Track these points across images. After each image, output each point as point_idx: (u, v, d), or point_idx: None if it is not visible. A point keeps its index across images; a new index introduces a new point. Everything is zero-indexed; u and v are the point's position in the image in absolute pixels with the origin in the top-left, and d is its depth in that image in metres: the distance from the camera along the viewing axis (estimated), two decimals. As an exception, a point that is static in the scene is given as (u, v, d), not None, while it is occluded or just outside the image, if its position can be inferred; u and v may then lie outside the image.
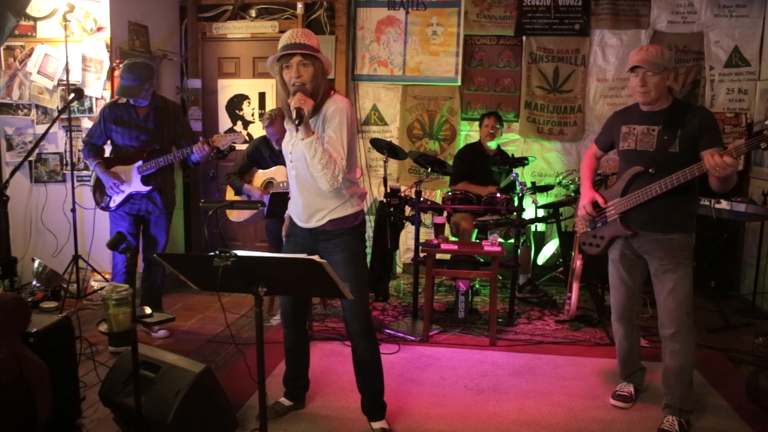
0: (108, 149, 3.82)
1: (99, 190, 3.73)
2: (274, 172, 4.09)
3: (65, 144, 4.59)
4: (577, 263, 3.91)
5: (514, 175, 4.24)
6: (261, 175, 4.15)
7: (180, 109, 3.86)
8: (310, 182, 2.41)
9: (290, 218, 2.63)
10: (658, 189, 2.57)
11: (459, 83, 5.24)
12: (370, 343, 2.56)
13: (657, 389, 3.06)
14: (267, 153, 4.15)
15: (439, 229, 4.06)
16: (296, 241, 2.60)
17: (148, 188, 3.61)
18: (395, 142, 5.06)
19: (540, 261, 5.13)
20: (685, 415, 2.67)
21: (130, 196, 3.64)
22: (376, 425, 2.61)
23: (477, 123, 5.14)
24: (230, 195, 4.25)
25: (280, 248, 3.99)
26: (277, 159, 4.12)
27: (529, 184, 4.75)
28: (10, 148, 4.69)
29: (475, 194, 4.48)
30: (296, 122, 2.22)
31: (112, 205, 3.67)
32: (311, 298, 2.71)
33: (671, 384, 2.69)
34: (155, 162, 3.58)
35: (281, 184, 3.99)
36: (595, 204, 2.84)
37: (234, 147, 4.00)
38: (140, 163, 3.59)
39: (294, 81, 2.31)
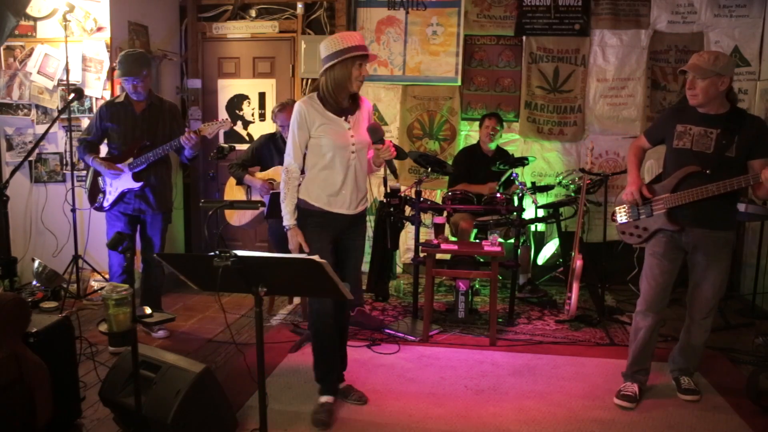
0: (104, 149, 3.80)
1: (93, 190, 3.73)
2: (273, 173, 4.08)
3: (65, 144, 4.59)
4: (577, 263, 3.92)
5: (514, 174, 4.24)
6: (261, 176, 4.14)
7: (177, 110, 3.85)
8: (365, 170, 2.78)
9: (319, 215, 2.70)
10: (715, 190, 2.68)
11: (459, 83, 5.24)
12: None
13: (658, 390, 3.07)
14: (272, 151, 4.14)
15: (439, 229, 4.06)
16: (324, 237, 2.70)
17: (138, 185, 3.60)
18: (395, 142, 5.06)
19: (540, 261, 5.13)
20: (693, 376, 3.07)
21: (123, 195, 3.64)
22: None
23: (477, 123, 5.14)
24: (230, 194, 4.25)
25: (283, 249, 4.00)
26: (281, 158, 4.10)
27: (529, 184, 4.75)
28: (10, 148, 4.69)
29: (475, 194, 4.48)
30: (395, 176, 2.79)
31: (106, 204, 3.67)
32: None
33: (689, 355, 3.03)
34: (145, 157, 3.57)
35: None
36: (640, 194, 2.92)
37: (234, 147, 4.01)
38: (131, 159, 3.60)
39: (362, 78, 2.64)
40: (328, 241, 2.71)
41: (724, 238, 2.82)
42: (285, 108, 3.99)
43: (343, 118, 2.69)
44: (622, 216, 3.04)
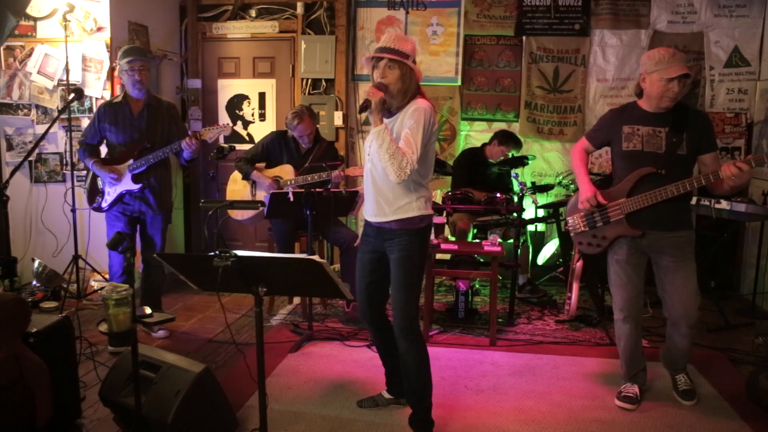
0: (104, 149, 3.80)
1: (92, 191, 3.72)
2: (280, 171, 4.09)
3: (65, 144, 4.59)
4: (577, 263, 3.91)
5: (514, 175, 4.25)
6: (268, 172, 4.15)
7: (175, 109, 3.83)
8: (383, 177, 2.46)
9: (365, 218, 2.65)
10: (675, 191, 2.62)
11: (459, 83, 5.24)
12: (411, 346, 2.52)
13: (658, 390, 3.07)
14: (282, 148, 4.15)
15: (439, 229, 4.06)
16: (367, 241, 2.63)
17: (138, 186, 3.59)
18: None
19: (540, 261, 5.13)
20: (686, 369, 3.01)
21: (122, 196, 3.63)
22: None
23: (477, 123, 5.17)
24: (233, 189, 4.24)
25: (285, 248, 4.02)
26: (290, 157, 4.11)
27: (529, 184, 4.75)
28: (10, 148, 4.69)
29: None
30: (359, 110, 2.41)
31: (104, 205, 3.66)
32: (386, 293, 2.69)
33: (677, 358, 2.95)
34: (145, 159, 3.56)
35: (288, 182, 3.99)
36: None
37: (234, 147, 4.01)
38: (131, 161, 3.59)
39: (378, 80, 2.44)
40: (367, 250, 2.62)
41: (686, 237, 2.75)
42: (303, 119, 3.99)
43: (381, 119, 2.47)
44: (577, 225, 2.94)
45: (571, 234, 3.00)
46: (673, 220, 2.72)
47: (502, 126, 5.12)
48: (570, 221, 2.98)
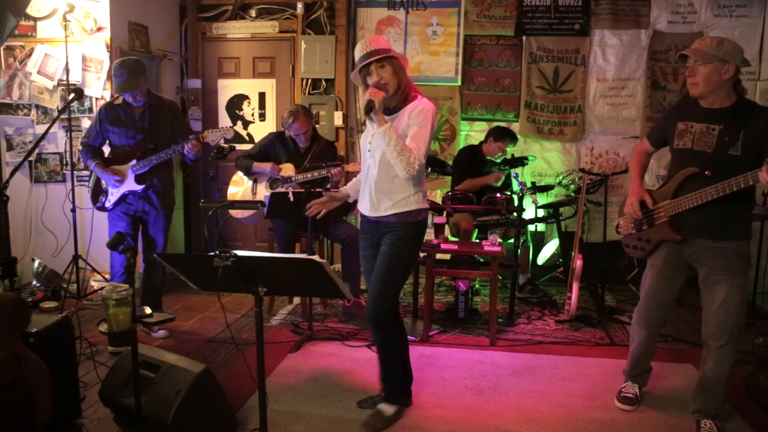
0: (106, 150, 3.81)
1: (96, 190, 3.73)
2: (283, 170, 4.10)
3: (65, 144, 4.59)
4: (577, 263, 3.92)
5: (514, 175, 4.25)
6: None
7: (177, 107, 3.83)
8: (384, 172, 2.55)
9: (361, 215, 2.72)
10: (714, 193, 2.38)
11: (459, 83, 5.24)
12: (380, 334, 2.66)
13: (660, 391, 3.07)
14: (280, 149, 4.16)
15: (439, 229, 4.06)
16: (365, 237, 2.71)
17: (141, 187, 3.60)
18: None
19: (540, 261, 5.13)
20: (718, 419, 2.63)
21: (125, 196, 3.63)
22: (381, 405, 2.73)
23: (477, 123, 5.15)
24: (232, 189, 4.25)
25: (285, 248, 4.02)
26: (290, 156, 4.12)
27: (529, 184, 4.75)
28: (10, 148, 4.69)
29: (481, 188, 4.47)
30: (365, 112, 2.46)
31: (108, 204, 3.67)
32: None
33: (708, 392, 2.62)
34: (148, 160, 3.57)
35: (288, 180, 4.01)
36: (642, 204, 2.66)
37: (234, 147, 4.02)
38: (134, 161, 3.60)
39: (375, 82, 2.51)
40: (367, 246, 2.70)
41: (734, 249, 2.45)
42: (298, 117, 4.01)
43: (384, 119, 2.56)
44: (625, 227, 2.80)
45: (620, 236, 2.86)
46: (721, 227, 2.45)
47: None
48: (621, 223, 2.85)
